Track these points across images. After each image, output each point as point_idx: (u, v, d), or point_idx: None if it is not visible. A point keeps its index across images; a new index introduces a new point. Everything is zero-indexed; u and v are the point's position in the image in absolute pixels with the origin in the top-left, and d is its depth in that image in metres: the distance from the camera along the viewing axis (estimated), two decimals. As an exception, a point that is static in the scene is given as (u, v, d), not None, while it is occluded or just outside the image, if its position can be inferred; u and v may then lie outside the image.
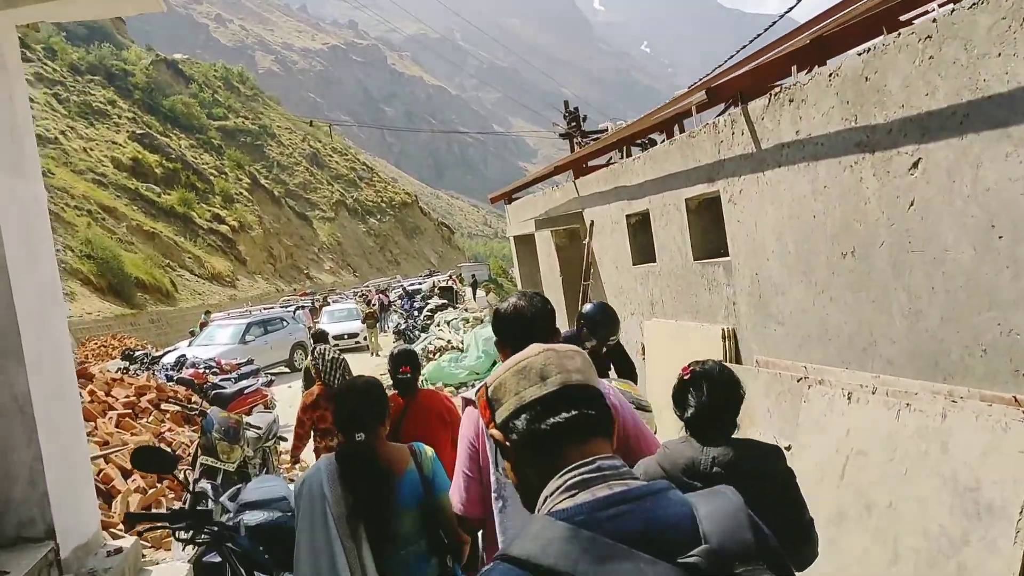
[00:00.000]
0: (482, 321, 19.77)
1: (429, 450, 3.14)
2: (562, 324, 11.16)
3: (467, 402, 2.82)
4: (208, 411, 6.87)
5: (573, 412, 1.27)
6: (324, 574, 2.86)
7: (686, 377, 2.67)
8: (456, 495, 2.72)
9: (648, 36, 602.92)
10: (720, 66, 9.37)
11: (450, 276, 50.32)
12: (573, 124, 18.59)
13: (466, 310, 28.40)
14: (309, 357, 6.85)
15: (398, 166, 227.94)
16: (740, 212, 6.37)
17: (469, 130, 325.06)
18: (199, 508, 5.79)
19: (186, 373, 12.50)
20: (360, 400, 3.05)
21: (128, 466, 7.50)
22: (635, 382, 5.03)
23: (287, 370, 21.88)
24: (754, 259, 6.28)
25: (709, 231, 7.36)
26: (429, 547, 3.03)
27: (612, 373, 5.29)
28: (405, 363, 4.83)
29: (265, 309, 30.82)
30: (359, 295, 40.57)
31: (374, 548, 2.92)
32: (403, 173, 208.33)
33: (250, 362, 16.12)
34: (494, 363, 13.85)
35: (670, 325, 8.09)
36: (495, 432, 1.35)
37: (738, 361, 6.66)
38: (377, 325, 26.84)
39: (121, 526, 6.19)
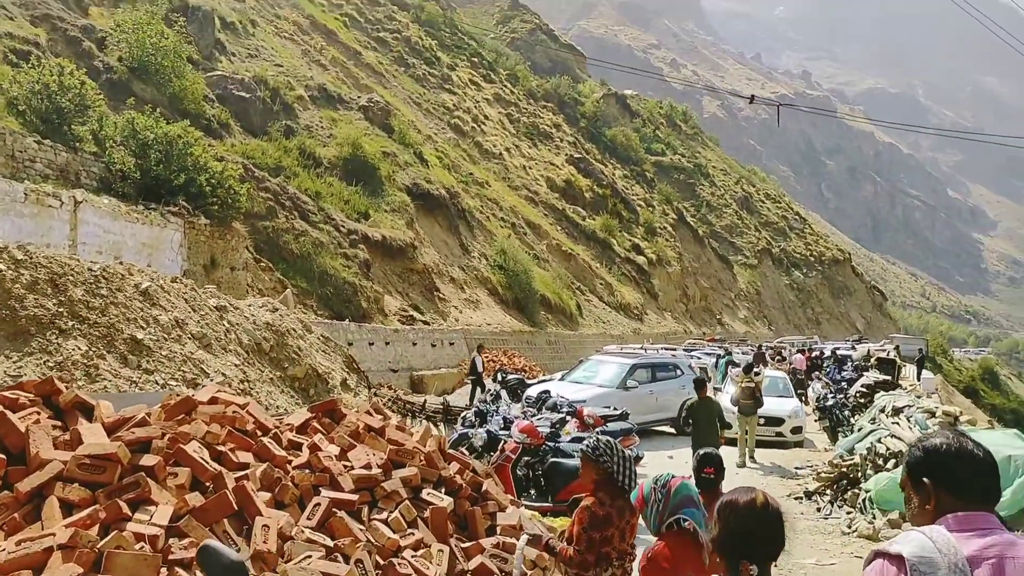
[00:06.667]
0: (957, 420, 13.54)
1: None
2: None
3: (880, 556, 1.99)
4: None
5: None
6: None
7: None
8: None
9: None
10: None
11: (890, 346, 42.35)
12: None
13: (909, 391, 21.43)
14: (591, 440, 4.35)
15: (832, 223, 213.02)
16: None
17: (919, 192, 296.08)
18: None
19: (517, 427, 8.81)
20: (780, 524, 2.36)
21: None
22: None
23: (671, 431, 17.24)
24: None
25: None
26: None
27: None
28: (710, 464, 4.90)
29: (664, 349, 27.05)
30: (772, 351, 35.03)
31: None
32: (837, 231, 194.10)
33: (623, 417, 12.06)
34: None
35: None
36: None
37: None
38: (757, 410, 15.21)
39: None
